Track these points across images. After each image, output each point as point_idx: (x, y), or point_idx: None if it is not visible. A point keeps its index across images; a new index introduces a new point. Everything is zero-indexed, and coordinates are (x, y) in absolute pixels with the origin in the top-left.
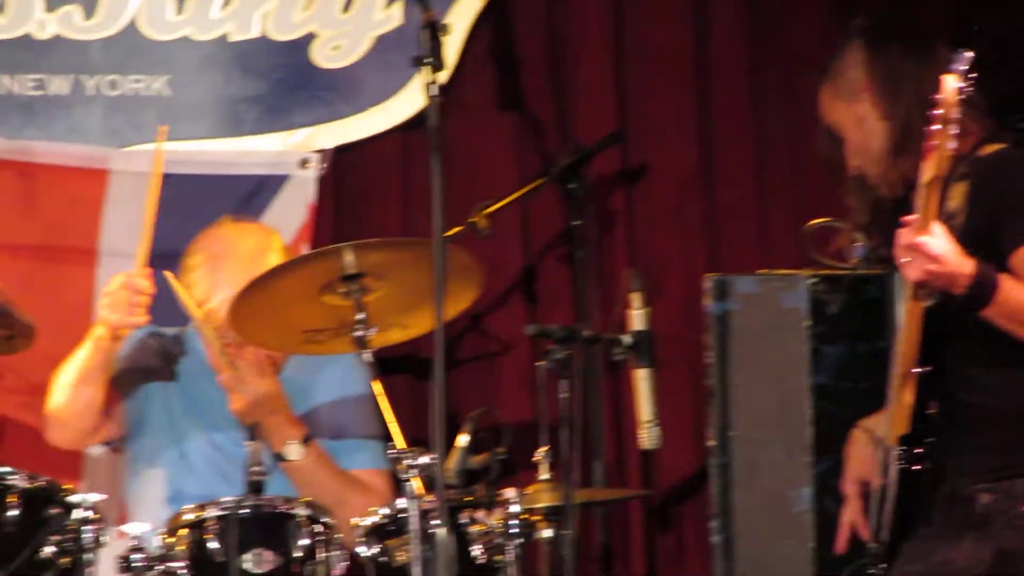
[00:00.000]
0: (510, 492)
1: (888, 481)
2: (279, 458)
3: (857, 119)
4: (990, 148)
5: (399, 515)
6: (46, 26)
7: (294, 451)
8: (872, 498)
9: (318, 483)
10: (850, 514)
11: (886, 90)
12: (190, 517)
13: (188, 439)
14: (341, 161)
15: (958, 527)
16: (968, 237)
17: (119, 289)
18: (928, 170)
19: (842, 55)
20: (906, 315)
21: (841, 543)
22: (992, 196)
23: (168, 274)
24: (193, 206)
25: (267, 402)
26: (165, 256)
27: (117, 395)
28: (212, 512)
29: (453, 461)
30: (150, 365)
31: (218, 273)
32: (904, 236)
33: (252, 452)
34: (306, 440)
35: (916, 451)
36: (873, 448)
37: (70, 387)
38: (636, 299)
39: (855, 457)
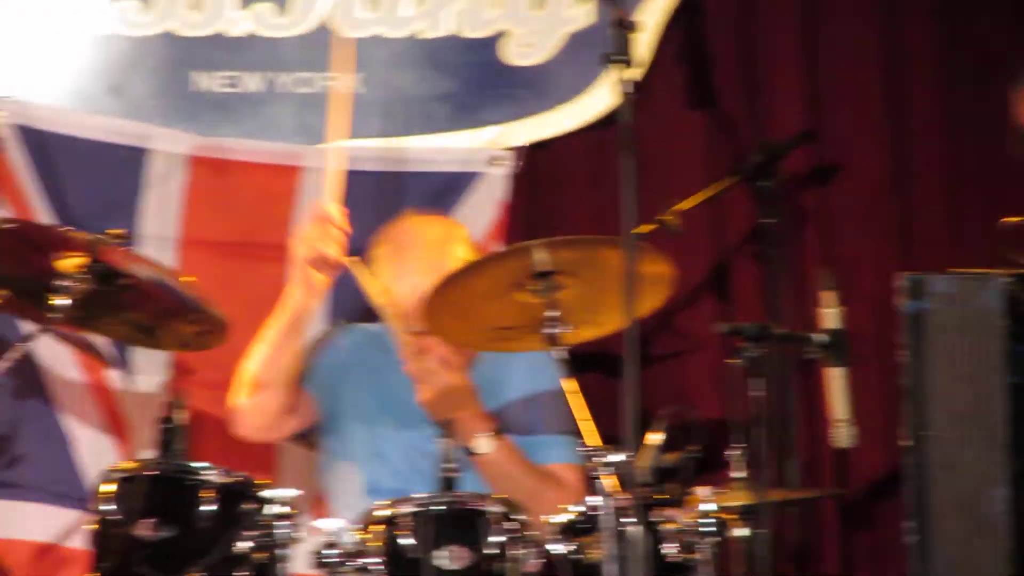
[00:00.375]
0: (703, 490)
1: None
2: (469, 452)
3: None
4: None
5: (592, 512)
6: (239, 23)
7: (483, 444)
8: None
9: (509, 477)
10: None
11: None
12: (384, 513)
13: (382, 434)
14: (532, 158)
15: None
16: None
17: (312, 225)
18: None
19: None
20: None
21: None
22: None
23: (353, 260)
24: (385, 203)
25: (454, 395)
26: (356, 253)
27: (304, 389)
28: (406, 508)
29: (646, 459)
30: (342, 360)
31: (403, 263)
32: None
33: (444, 448)
34: (496, 434)
35: None
36: None
37: (258, 374)
38: (829, 297)
39: None
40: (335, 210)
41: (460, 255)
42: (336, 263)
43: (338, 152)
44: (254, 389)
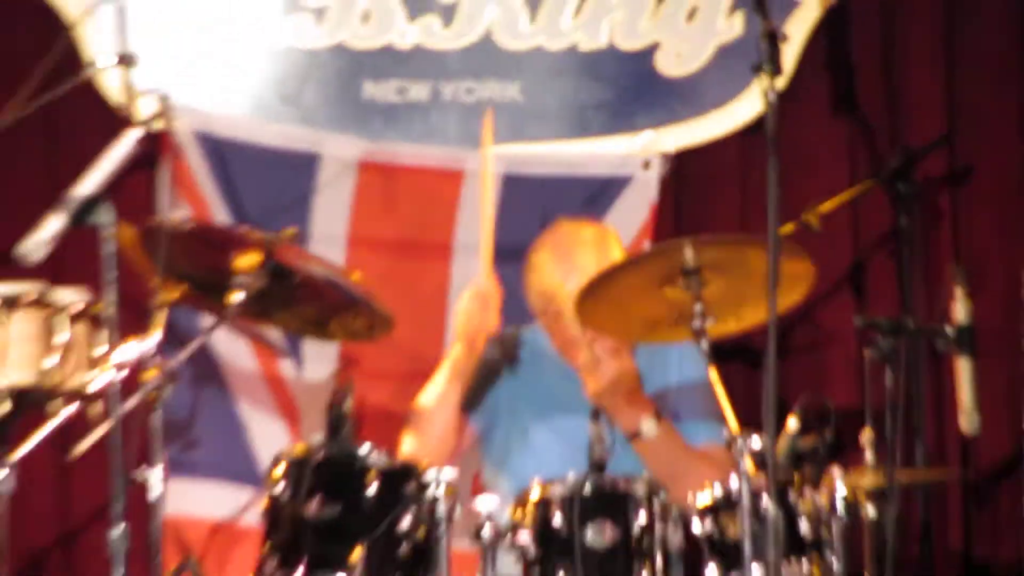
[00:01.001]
0: (836, 473)
1: None
2: (633, 436)
3: None
4: None
5: (732, 493)
6: (407, 36)
7: (649, 427)
8: None
9: (670, 458)
10: None
11: None
12: (537, 493)
13: (532, 425)
14: (682, 162)
15: None
16: None
17: (471, 301)
18: None
19: None
20: None
21: None
22: None
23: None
24: (543, 204)
25: (624, 381)
26: (514, 252)
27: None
28: (557, 489)
29: (783, 443)
30: (495, 359)
31: (568, 262)
32: None
33: (595, 432)
34: (658, 417)
35: None
36: None
37: (432, 419)
38: (960, 293)
39: None
40: (491, 288)
41: (616, 256)
42: (493, 332)
43: (497, 158)
44: (419, 432)
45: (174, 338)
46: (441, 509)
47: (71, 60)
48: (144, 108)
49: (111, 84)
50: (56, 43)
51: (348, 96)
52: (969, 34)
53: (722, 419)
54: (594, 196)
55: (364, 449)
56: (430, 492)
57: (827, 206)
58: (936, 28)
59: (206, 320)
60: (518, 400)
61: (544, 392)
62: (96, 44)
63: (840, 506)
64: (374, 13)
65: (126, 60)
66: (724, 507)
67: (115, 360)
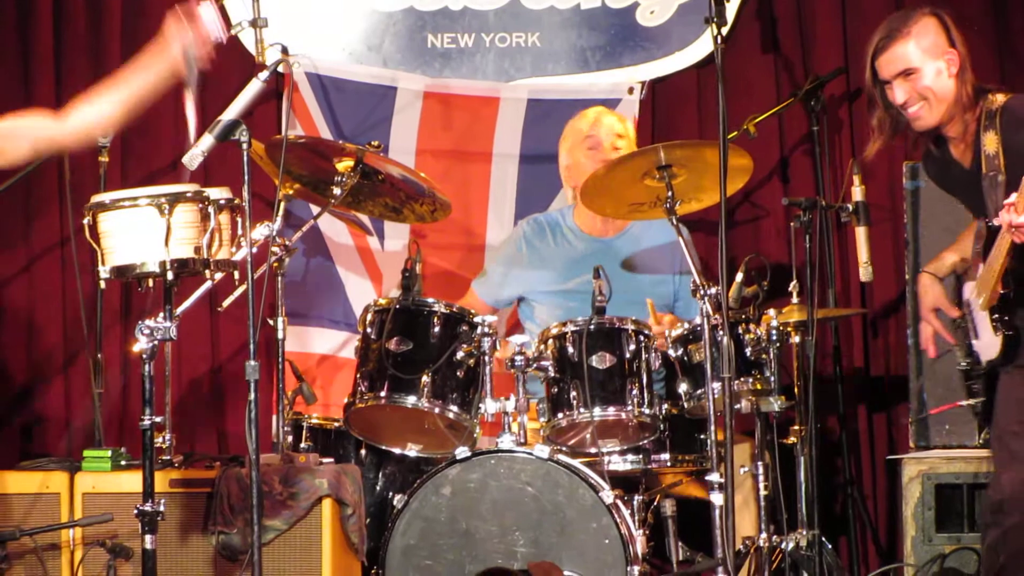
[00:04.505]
0: (771, 312)
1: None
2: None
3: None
4: (995, 98)
5: (696, 327)
6: (458, 1)
7: None
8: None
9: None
10: (931, 327)
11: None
12: (554, 331)
13: (554, 282)
14: (656, 88)
15: None
16: (1012, 181)
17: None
18: None
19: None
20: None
21: (932, 349)
22: (1012, 140)
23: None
24: (558, 120)
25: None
26: (541, 157)
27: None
28: (569, 328)
29: (733, 291)
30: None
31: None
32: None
33: (597, 286)
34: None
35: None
36: (941, 285)
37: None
38: (857, 180)
39: (928, 293)
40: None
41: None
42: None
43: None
44: None
45: (292, 222)
46: (486, 343)
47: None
48: (270, 56)
49: (247, 40)
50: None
51: (415, 44)
52: None
53: (689, 272)
54: None
55: (429, 300)
56: (479, 331)
57: (760, 118)
58: None
59: (315, 208)
60: (544, 266)
61: (563, 257)
62: (238, 11)
63: (775, 336)
64: None
65: (257, 23)
66: (691, 338)
67: (250, 239)
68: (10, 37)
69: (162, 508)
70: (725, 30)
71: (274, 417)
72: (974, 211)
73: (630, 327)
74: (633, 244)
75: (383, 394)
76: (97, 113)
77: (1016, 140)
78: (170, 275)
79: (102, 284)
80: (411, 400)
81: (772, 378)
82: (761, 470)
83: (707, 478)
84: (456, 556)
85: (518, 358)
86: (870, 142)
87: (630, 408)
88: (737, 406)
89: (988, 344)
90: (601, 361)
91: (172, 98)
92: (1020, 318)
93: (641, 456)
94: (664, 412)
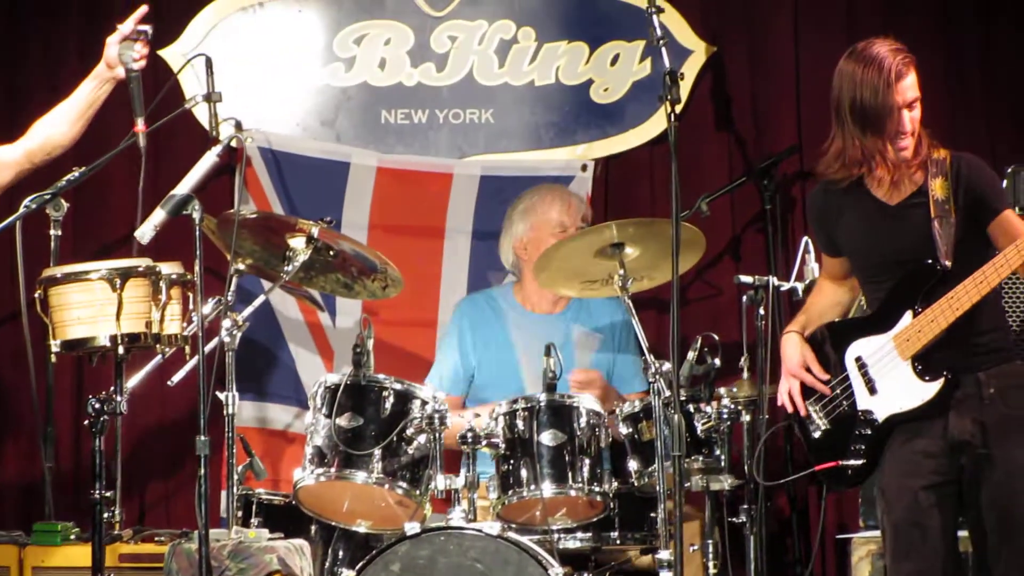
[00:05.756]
0: (722, 390)
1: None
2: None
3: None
4: (940, 152)
5: (647, 405)
6: (413, 77)
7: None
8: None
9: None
10: (797, 384)
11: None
12: (505, 408)
13: (502, 360)
14: (609, 166)
15: None
16: (962, 221)
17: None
18: None
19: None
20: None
21: (792, 404)
22: (972, 186)
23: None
24: (510, 197)
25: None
26: (490, 233)
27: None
28: (520, 404)
29: (685, 369)
30: (468, 321)
31: (535, 211)
32: None
33: (547, 364)
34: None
35: None
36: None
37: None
38: (809, 258)
39: (797, 352)
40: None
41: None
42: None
43: (476, 164)
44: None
45: (244, 297)
46: (437, 420)
47: (175, 97)
48: (224, 131)
49: (202, 114)
50: (165, 85)
51: (369, 120)
52: (810, 70)
53: (640, 351)
54: None
55: (380, 376)
56: (429, 408)
57: (713, 196)
58: (788, 68)
59: (266, 284)
60: (491, 343)
61: (510, 335)
62: (192, 86)
63: (725, 414)
64: (388, 61)
65: (212, 97)
66: (642, 416)
67: (201, 313)
68: None
69: None
70: (679, 108)
71: (224, 492)
72: (862, 252)
73: (582, 405)
74: (577, 322)
75: (333, 470)
76: (53, 128)
77: (976, 189)
78: (121, 350)
79: (53, 358)
80: (361, 476)
81: (722, 456)
82: (711, 548)
83: (657, 556)
84: None
85: (468, 434)
86: (823, 166)
87: (580, 485)
88: (687, 484)
89: (890, 397)
90: (552, 438)
91: (125, 171)
92: (957, 358)
93: (591, 533)
94: (614, 489)
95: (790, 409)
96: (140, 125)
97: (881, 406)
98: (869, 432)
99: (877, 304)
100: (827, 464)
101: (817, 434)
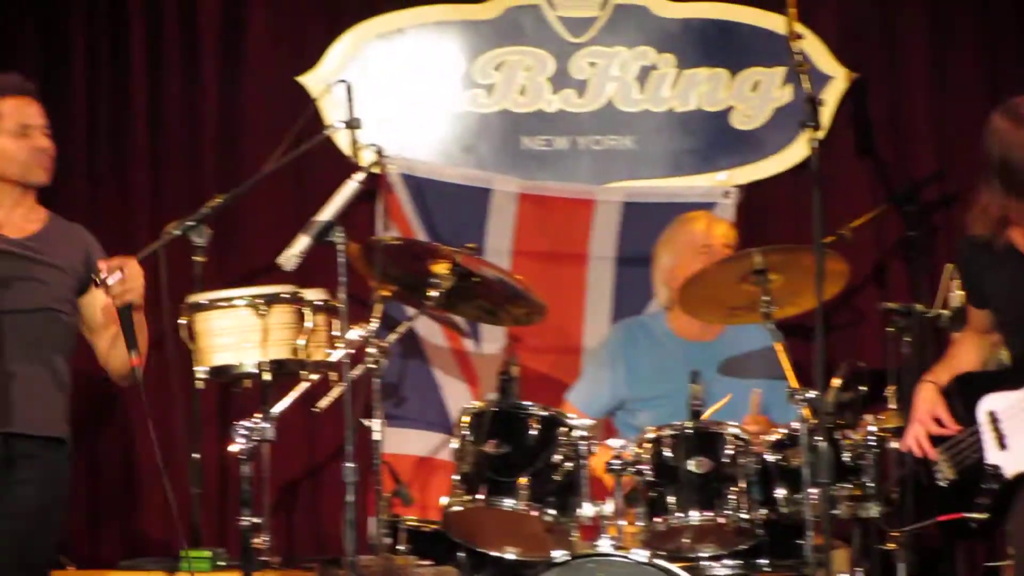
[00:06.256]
0: (869, 417)
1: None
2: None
3: None
4: None
5: (794, 432)
6: (552, 103)
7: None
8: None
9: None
10: (923, 430)
11: None
12: (651, 435)
13: (651, 386)
14: (751, 192)
15: None
16: None
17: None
18: None
19: None
20: None
21: (918, 449)
22: None
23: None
24: (653, 223)
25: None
26: (636, 259)
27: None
28: (667, 432)
29: (830, 396)
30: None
31: (677, 243)
32: None
33: (693, 391)
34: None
35: None
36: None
37: None
38: (954, 285)
39: (928, 401)
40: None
41: (718, 229)
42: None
43: (618, 191)
44: None
45: (388, 324)
46: (583, 447)
47: (315, 124)
48: (365, 157)
49: (342, 141)
50: (305, 112)
51: (510, 147)
52: (952, 93)
53: (784, 378)
54: None
55: (526, 403)
56: (576, 434)
57: (856, 223)
58: (928, 92)
59: (410, 310)
60: (642, 369)
61: (662, 362)
62: (332, 112)
63: (872, 441)
64: (528, 87)
65: (352, 124)
66: (788, 444)
67: (346, 340)
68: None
69: None
70: (820, 134)
71: (371, 519)
72: (1004, 307)
73: (727, 432)
74: (728, 348)
75: (481, 497)
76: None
77: None
78: (267, 376)
79: (199, 384)
80: (509, 503)
81: (870, 484)
82: None
83: None
84: None
85: (615, 461)
86: (971, 219)
87: (728, 512)
88: (835, 512)
89: (1021, 453)
90: (699, 465)
91: (267, 198)
92: None
93: (739, 561)
94: (762, 517)
95: (918, 454)
96: (134, 358)
97: (1011, 461)
98: (996, 487)
99: (1015, 360)
100: (951, 516)
101: (943, 483)
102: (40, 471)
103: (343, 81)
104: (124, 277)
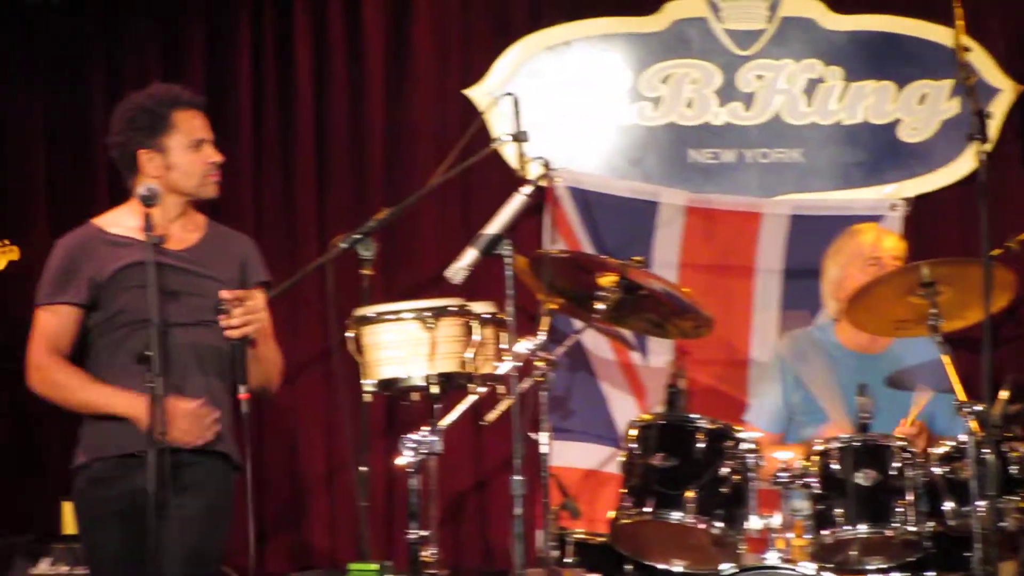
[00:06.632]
0: None
1: None
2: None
3: None
4: None
5: (961, 445)
6: (719, 116)
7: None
8: None
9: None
10: None
11: None
12: (819, 447)
13: (819, 397)
14: (918, 205)
15: None
16: None
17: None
18: None
19: None
20: None
21: None
22: None
23: None
24: (821, 236)
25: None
26: (803, 271)
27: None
28: (834, 444)
29: (997, 408)
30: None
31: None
32: None
33: (860, 404)
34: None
35: None
36: None
37: None
38: None
39: None
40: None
41: (887, 242)
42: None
43: (786, 203)
44: None
45: (555, 337)
46: (751, 460)
47: (482, 137)
48: (532, 170)
49: (509, 153)
50: (471, 124)
51: (677, 160)
52: None
53: (952, 391)
54: None
55: (693, 416)
56: (743, 447)
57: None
58: None
59: (577, 323)
60: (812, 382)
61: (832, 374)
62: (499, 125)
63: None
64: (695, 100)
65: (519, 136)
66: (956, 456)
67: (514, 353)
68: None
69: None
70: (988, 147)
71: (539, 532)
72: None
73: (895, 444)
74: (895, 361)
75: (648, 510)
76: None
77: None
78: (435, 389)
79: (367, 397)
80: (676, 516)
81: None
82: None
83: None
84: None
85: (782, 474)
86: None
87: (895, 525)
88: (1003, 524)
89: None
90: (866, 478)
91: (434, 212)
92: None
93: (906, 574)
94: (929, 530)
95: None
96: (243, 392)
97: None
98: None
99: None
100: None
101: None
102: (204, 481)
103: (510, 94)
104: (245, 309)
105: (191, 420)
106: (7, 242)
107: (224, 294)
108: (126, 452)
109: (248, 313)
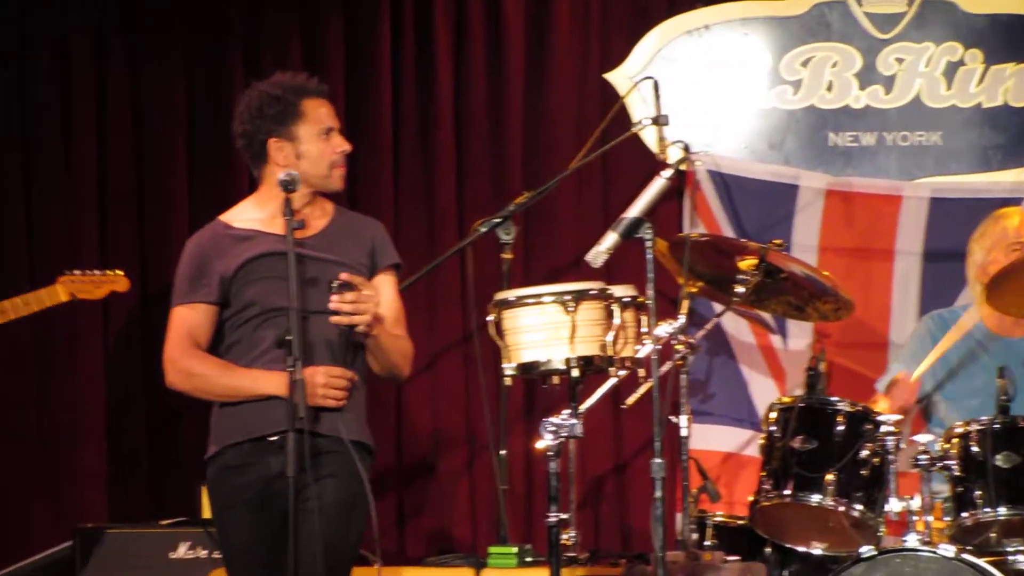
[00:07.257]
0: None
1: None
2: None
3: None
4: None
5: None
6: (860, 99)
7: None
8: None
9: None
10: None
11: None
12: (959, 430)
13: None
14: None
15: None
16: None
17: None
18: None
19: None
20: None
21: None
22: None
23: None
24: (961, 219)
25: None
26: (944, 253)
27: None
28: (974, 427)
29: None
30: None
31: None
32: None
33: (1001, 385)
34: None
35: None
36: None
37: None
38: None
39: None
40: None
41: None
42: None
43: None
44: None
45: (695, 320)
46: (890, 442)
47: (621, 121)
48: (672, 154)
49: (649, 137)
50: (611, 108)
51: (816, 143)
52: None
53: None
54: None
55: (833, 399)
56: (883, 430)
57: None
58: None
59: (717, 307)
60: (951, 361)
61: (974, 356)
62: (638, 109)
63: None
64: (835, 83)
65: (660, 120)
66: None
67: (654, 336)
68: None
69: None
70: None
71: (679, 514)
72: None
73: None
74: None
75: (788, 492)
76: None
77: None
78: (575, 372)
79: (507, 381)
80: (816, 498)
81: None
82: None
83: None
84: None
85: (922, 457)
86: None
87: None
88: None
89: None
90: (1006, 460)
91: (573, 195)
92: None
93: None
94: None
95: None
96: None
97: None
98: None
99: None
100: None
101: None
102: (342, 467)
103: (649, 78)
104: (356, 297)
105: (328, 378)
106: (120, 272)
107: (343, 276)
108: (255, 436)
109: (357, 302)
